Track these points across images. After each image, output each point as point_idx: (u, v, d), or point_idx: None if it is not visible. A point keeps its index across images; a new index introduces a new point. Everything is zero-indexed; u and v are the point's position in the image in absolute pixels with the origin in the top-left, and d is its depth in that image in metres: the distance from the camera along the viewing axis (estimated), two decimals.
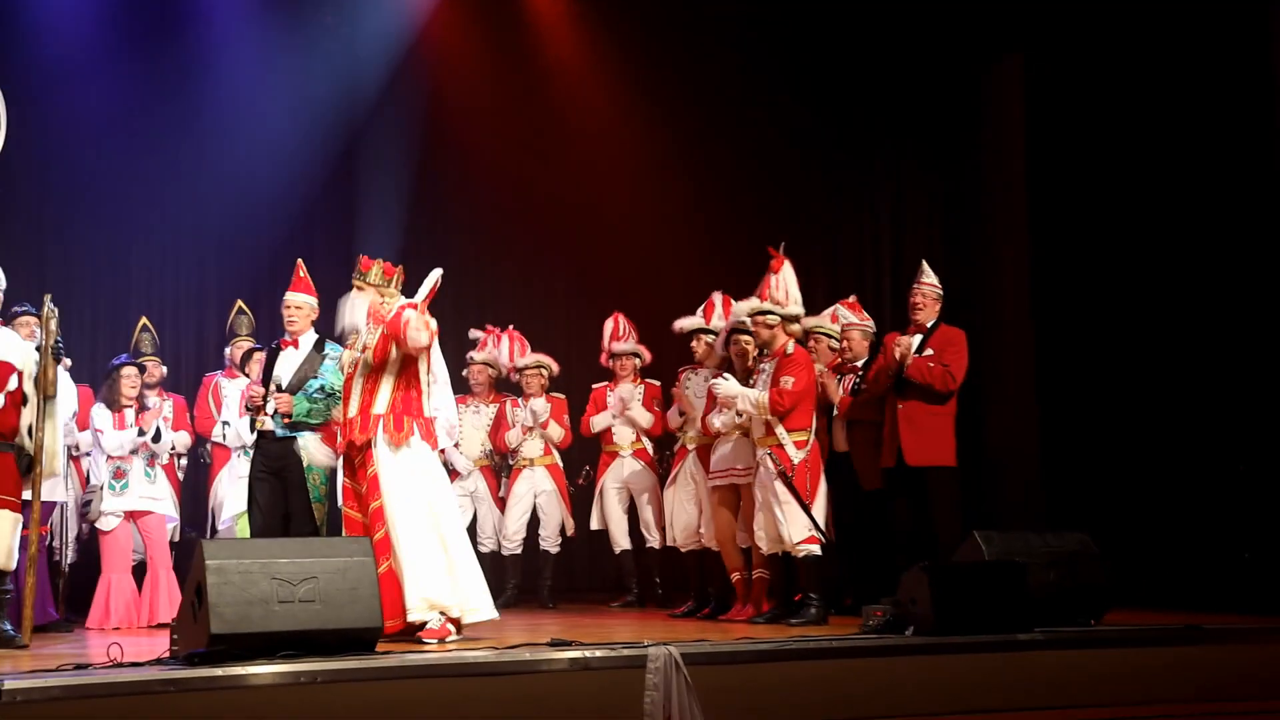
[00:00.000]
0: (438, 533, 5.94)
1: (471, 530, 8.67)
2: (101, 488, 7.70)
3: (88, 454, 7.88)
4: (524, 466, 8.92)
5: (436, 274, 6.30)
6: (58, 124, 9.28)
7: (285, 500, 6.61)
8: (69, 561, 7.75)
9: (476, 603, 6.00)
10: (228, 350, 8.71)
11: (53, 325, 6.25)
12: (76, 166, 9.59)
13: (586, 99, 10.71)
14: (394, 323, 6.03)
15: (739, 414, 6.97)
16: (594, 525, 8.85)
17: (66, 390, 7.40)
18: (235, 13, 9.84)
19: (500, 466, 9.07)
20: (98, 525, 7.74)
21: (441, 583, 5.89)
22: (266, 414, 6.66)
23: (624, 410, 8.59)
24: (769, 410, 6.77)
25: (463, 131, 10.54)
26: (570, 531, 9.01)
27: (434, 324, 6.06)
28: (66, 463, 7.35)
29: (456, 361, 8.76)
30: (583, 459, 9.24)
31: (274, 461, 6.65)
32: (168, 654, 4.91)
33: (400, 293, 6.27)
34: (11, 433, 6.13)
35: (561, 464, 9.02)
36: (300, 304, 6.85)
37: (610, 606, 8.69)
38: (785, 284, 7.04)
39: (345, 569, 4.92)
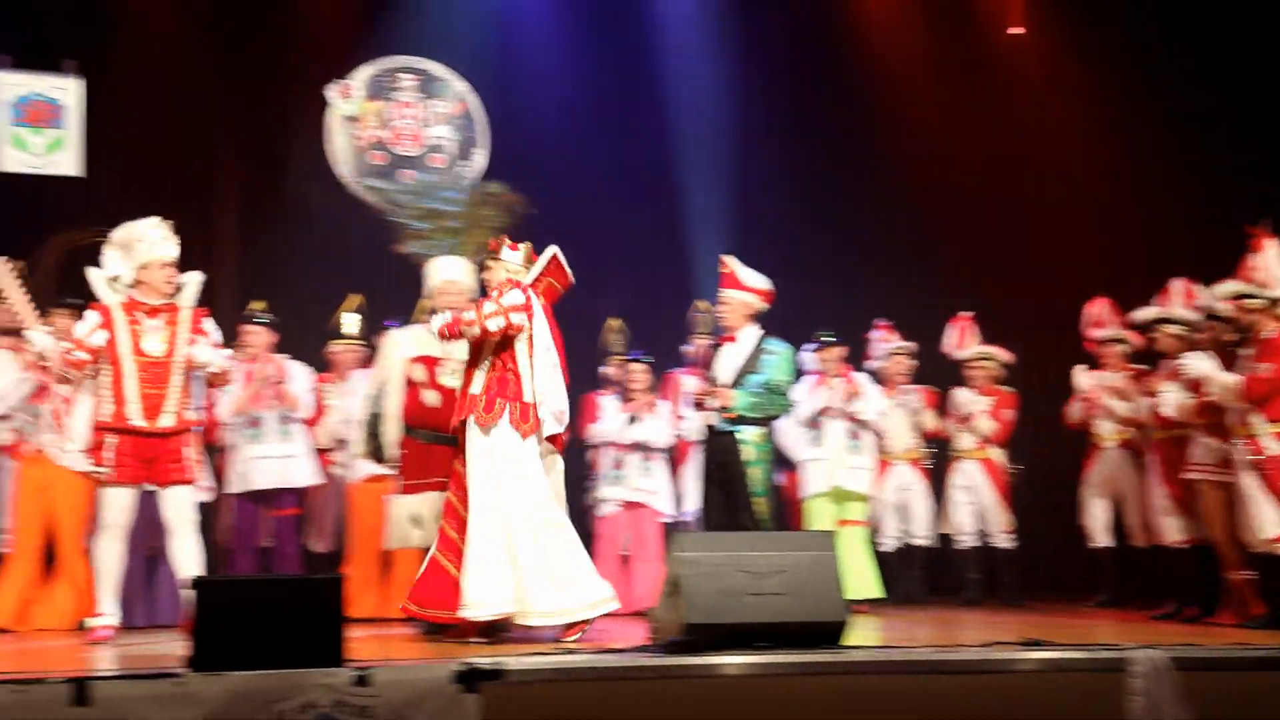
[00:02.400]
0: (505, 526, 5.74)
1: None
2: (602, 477, 8.17)
3: None
4: (959, 458, 8.74)
5: (550, 251, 6.18)
6: (522, 124, 9.89)
7: (729, 494, 6.71)
8: None
9: (540, 605, 5.70)
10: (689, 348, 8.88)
11: None
12: (541, 165, 10.10)
13: (1030, 73, 10.41)
14: (457, 317, 5.92)
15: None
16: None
17: None
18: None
19: (927, 458, 8.87)
20: (595, 512, 8.20)
21: (491, 580, 5.69)
22: (709, 409, 6.83)
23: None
24: (1239, 396, 6.28)
25: (903, 112, 10.43)
26: (1006, 528, 8.65)
27: (495, 313, 5.81)
28: None
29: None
30: (1016, 456, 8.87)
31: (718, 455, 6.77)
32: (648, 641, 5.15)
33: (525, 268, 6.15)
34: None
35: (999, 458, 8.70)
36: (728, 299, 6.96)
37: (1084, 606, 8.30)
38: (1269, 265, 6.51)
39: (811, 562, 4.97)
